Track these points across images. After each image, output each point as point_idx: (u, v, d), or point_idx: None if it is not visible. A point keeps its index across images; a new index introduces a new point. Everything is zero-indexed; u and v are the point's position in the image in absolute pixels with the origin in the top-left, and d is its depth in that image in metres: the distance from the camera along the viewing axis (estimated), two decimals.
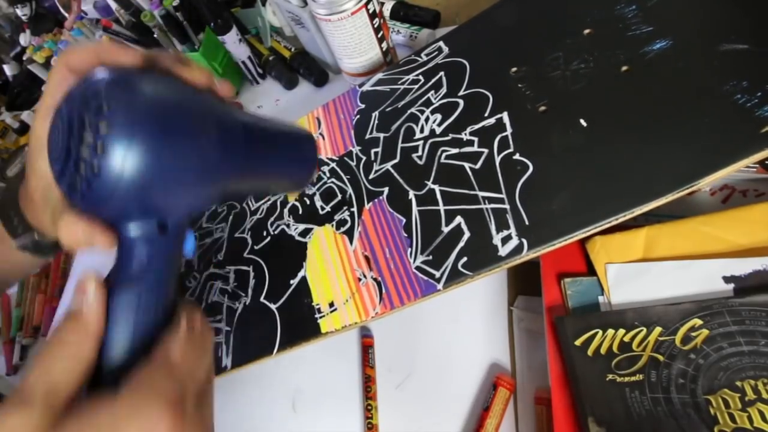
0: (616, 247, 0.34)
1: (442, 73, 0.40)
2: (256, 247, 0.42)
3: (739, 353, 0.27)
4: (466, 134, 0.35)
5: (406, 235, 0.34)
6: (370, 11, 0.45)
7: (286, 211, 0.43)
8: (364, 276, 0.35)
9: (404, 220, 0.35)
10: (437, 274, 0.31)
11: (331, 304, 0.35)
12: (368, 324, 0.34)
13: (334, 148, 0.44)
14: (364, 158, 0.40)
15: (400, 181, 0.37)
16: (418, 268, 0.32)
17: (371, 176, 0.39)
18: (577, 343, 0.30)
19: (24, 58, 0.85)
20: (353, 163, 0.41)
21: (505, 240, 0.29)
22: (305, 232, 0.40)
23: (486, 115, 0.35)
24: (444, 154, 0.35)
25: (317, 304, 0.36)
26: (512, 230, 0.29)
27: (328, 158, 0.43)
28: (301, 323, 0.35)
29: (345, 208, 0.39)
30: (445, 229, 0.32)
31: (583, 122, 0.30)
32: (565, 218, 0.28)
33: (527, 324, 0.37)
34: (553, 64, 0.34)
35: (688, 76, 0.28)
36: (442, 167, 0.35)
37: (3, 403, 0.18)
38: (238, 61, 0.62)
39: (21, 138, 0.87)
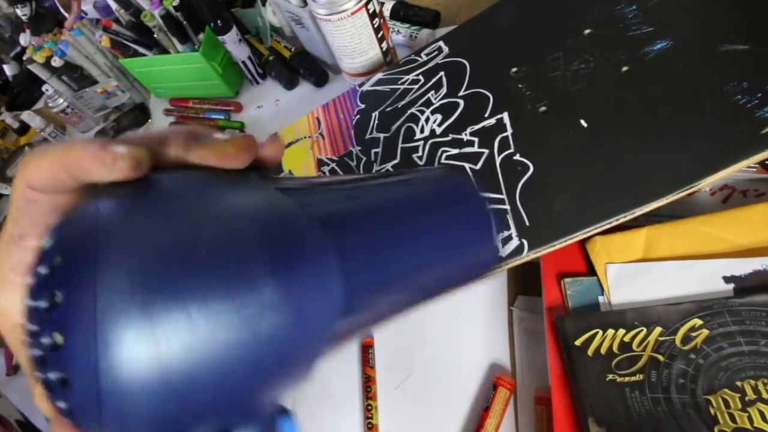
0: (617, 247, 0.34)
1: (442, 73, 0.40)
2: None
3: (739, 353, 0.27)
4: (466, 135, 0.35)
5: None
6: (370, 11, 0.45)
7: None
8: None
9: None
10: None
11: None
12: None
13: (334, 148, 0.44)
14: (364, 158, 0.40)
15: None
16: None
17: None
18: (577, 342, 0.30)
19: (24, 58, 0.85)
20: (353, 164, 0.41)
21: (506, 241, 0.29)
22: None
23: (486, 115, 0.35)
24: (444, 155, 0.35)
25: None
26: (513, 231, 0.29)
27: (328, 158, 0.43)
28: None
29: None
30: None
31: (583, 123, 0.30)
32: (566, 219, 0.28)
33: (527, 324, 0.37)
34: (554, 64, 0.34)
35: (689, 77, 0.28)
36: None
37: None
38: (238, 61, 0.62)
39: (21, 138, 0.87)
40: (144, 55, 0.64)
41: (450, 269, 0.17)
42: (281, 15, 0.62)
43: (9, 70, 0.90)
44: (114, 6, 0.62)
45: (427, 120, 0.38)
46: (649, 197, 0.26)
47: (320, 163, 0.43)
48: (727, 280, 0.30)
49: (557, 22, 0.36)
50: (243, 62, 0.62)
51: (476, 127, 0.35)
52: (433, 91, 0.39)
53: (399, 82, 0.43)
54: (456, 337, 0.39)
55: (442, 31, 0.55)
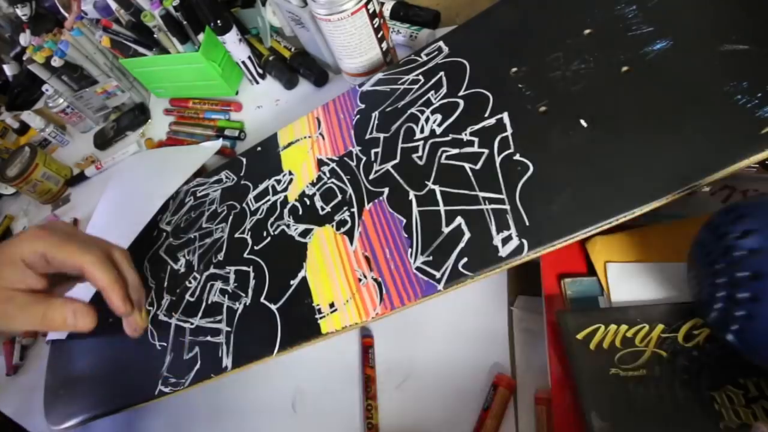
0: (617, 247, 0.34)
1: (442, 73, 0.40)
2: (256, 248, 0.42)
3: None
4: (466, 134, 0.35)
5: (406, 235, 0.34)
6: (370, 11, 0.45)
7: (286, 211, 0.43)
8: (365, 276, 0.35)
9: (404, 221, 0.35)
10: (437, 275, 0.31)
11: (332, 305, 0.35)
12: (368, 324, 0.34)
13: (334, 148, 0.43)
14: (364, 158, 0.40)
15: (401, 181, 0.37)
16: (418, 268, 0.32)
17: (371, 176, 0.39)
18: (579, 337, 0.30)
19: (24, 58, 0.85)
20: (353, 164, 0.41)
21: (506, 240, 0.29)
22: (305, 233, 0.40)
23: (486, 115, 0.35)
24: (444, 155, 0.35)
25: (317, 305, 0.36)
26: (512, 231, 0.29)
27: (328, 158, 0.43)
28: (302, 324, 0.35)
29: (345, 208, 0.39)
30: (446, 230, 0.32)
31: (583, 123, 0.30)
32: (566, 219, 0.28)
33: (527, 324, 0.37)
34: (554, 64, 0.34)
35: (689, 77, 0.28)
36: (442, 168, 0.35)
37: None
38: (238, 61, 0.62)
39: (21, 138, 0.87)
40: (144, 55, 0.64)
41: None
42: (281, 15, 0.62)
43: (9, 70, 0.91)
44: (114, 6, 0.62)
45: (427, 120, 0.38)
46: (649, 197, 0.26)
47: (320, 163, 0.43)
48: None
49: (557, 22, 0.36)
50: (243, 62, 0.62)
51: (476, 127, 0.35)
52: (433, 91, 0.39)
53: (399, 82, 0.43)
54: (456, 337, 0.39)
55: (442, 31, 0.55)
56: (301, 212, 0.42)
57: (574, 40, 0.34)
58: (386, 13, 0.57)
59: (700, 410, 0.26)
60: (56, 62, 0.69)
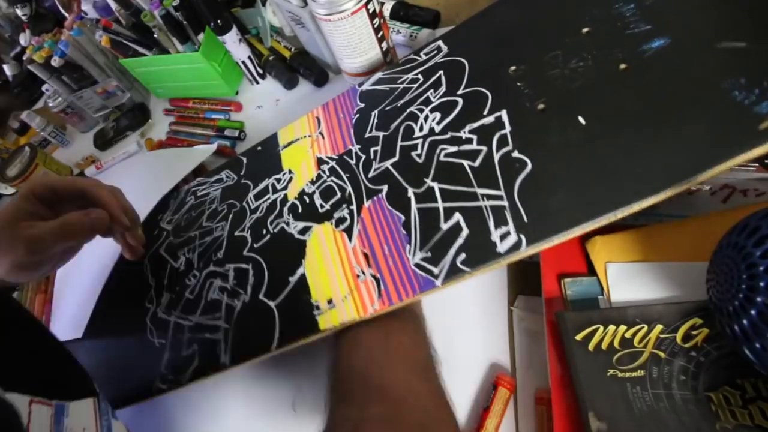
0: (617, 247, 0.34)
1: (441, 72, 0.40)
2: (255, 245, 0.42)
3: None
4: (465, 132, 0.35)
5: (405, 232, 0.34)
6: (370, 11, 0.45)
7: (285, 209, 0.43)
8: (363, 273, 0.34)
9: (403, 218, 0.35)
10: (436, 271, 0.31)
11: (330, 301, 0.35)
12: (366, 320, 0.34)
13: (334, 146, 0.44)
14: (363, 157, 0.40)
15: (400, 179, 0.37)
16: (416, 264, 0.32)
17: (370, 174, 0.39)
18: (578, 337, 0.30)
19: (24, 58, 0.85)
20: (353, 162, 0.41)
21: (504, 236, 0.29)
22: (304, 230, 0.40)
23: (485, 113, 0.35)
24: (443, 152, 0.35)
25: (316, 302, 0.36)
26: (511, 227, 0.29)
27: (327, 157, 0.43)
28: (300, 320, 0.35)
29: (344, 206, 0.39)
30: (444, 226, 0.32)
31: (581, 120, 0.30)
32: (564, 214, 0.28)
33: (527, 324, 0.37)
34: (552, 62, 0.34)
35: (686, 74, 0.28)
36: (441, 165, 0.35)
37: None
38: (238, 61, 0.62)
39: (21, 138, 0.87)
40: (144, 55, 0.64)
41: None
42: (281, 15, 0.62)
43: (9, 70, 0.91)
44: (114, 6, 0.62)
45: (426, 118, 0.38)
46: (648, 193, 0.26)
47: (320, 162, 0.43)
48: None
49: (555, 21, 0.36)
50: (243, 62, 0.62)
51: (475, 124, 0.35)
52: (432, 90, 0.40)
53: (398, 82, 0.43)
54: (456, 337, 0.39)
55: (442, 30, 0.55)
56: (300, 210, 0.42)
57: (572, 38, 0.34)
58: (386, 13, 0.57)
59: (697, 411, 0.26)
60: (56, 62, 0.69)
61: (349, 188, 0.39)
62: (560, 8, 0.36)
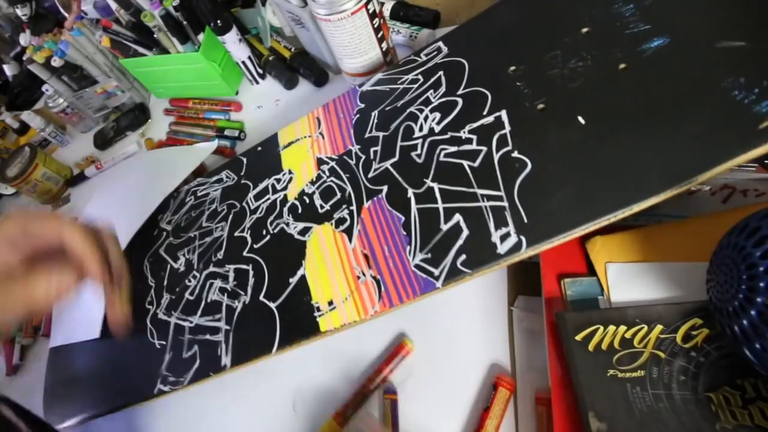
0: (617, 247, 0.34)
1: (441, 73, 0.40)
2: (255, 246, 0.42)
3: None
4: (464, 132, 0.35)
5: (405, 233, 0.34)
6: (370, 11, 0.45)
7: (285, 209, 0.43)
8: (363, 274, 0.34)
9: (403, 218, 0.35)
10: (436, 272, 0.31)
11: (330, 303, 0.35)
12: (368, 323, 0.34)
13: (334, 147, 0.44)
14: (363, 157, 0.40)
15: (399, 179, 0.37)
16: (417, 266, 0.32)
17: (370, 175, 0.39)
18: (578, 338, 0.30)
19: (24, 58, 0.85)
20: (353, 162, 0.41)
21: (504, 237, 0.29)
22: (304, 231, 0.40)
23: (485, 113, 0.35)
24: (443, 153, 0.35)
25: (316, 303, 0.36)
26: (511, 228, 0.29)
27: (327, 157, 0.43)
28: (301, 322, 0.35)
29: (344, 206, 0.39)
30: (444, 227, 0.32)
31: (581, 120, 0.30)
32: (564, 215, 0.28)
33: (527, 324, 0.37)
34: (552, 62, 0.34)
35: (686, 74, 0.28)
36: (440, 165, 0.35)
37: None
38: (238, 61, 0.62)
39: (21, 138, 0.87)
40: (144, 55, 0.64)
41: None
42: (281, 15, 0.62)
43: (9, 70, 0.91)
44: (114, 6, 0.62)
45: (426, 118, 0.38)
46: (648, 193, 0.26)
47: (320, 162, 0.43)
48: None
49: (555, 21, 0.36)
50: (243, 62, 0.62)
51: (474, 125, 0.35)
52: (432, 90, 0.40)
53: (398, 82, 0.43)
54: (456, 337, 0.39)
55: (442, 31, 0.55)
56: (300, 211, 0.42)
57: (571, 38, 0.34)
58: (386, 13, 0.57)
59: (697, 411, 0.26)
60: (56, 62, 0.69)
61: (349, 189, 0.39)
62: (559, 8, 0.36)
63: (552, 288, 0.35)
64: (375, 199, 0.37)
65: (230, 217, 0.46)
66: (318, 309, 0.35)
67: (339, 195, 0.40)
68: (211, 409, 0.44)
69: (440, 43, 0.43)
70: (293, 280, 0.38)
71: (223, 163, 0.55)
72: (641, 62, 0.30)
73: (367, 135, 0.42)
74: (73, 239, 0.31)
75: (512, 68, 0.36)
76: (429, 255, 0.32)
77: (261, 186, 0.47)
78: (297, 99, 0.62)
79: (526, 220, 0.29)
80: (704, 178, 0.24)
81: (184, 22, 0.59)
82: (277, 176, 0.46)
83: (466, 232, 0.31)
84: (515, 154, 0.32)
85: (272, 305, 0.38)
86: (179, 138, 0.68)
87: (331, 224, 0.39)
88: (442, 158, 0.35)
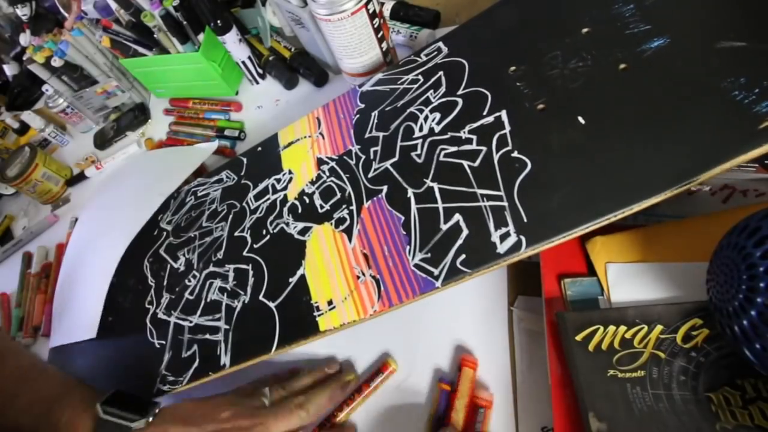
0: (617, 247, 0.34)
1: (441, 73, 0.40)
2: (255, 246, 0.42)
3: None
4: (464, 132, 0.35)
5: (404, 232, 0.34)
6: (370, 11, 0.45)
7: (285, 209, 0.43)
8: (363, 274, 0.34)
9: (403, 218, 0.35)
10: (436, 272, 0.31)
11: (330, 302, 0.35)
12: (368, 322, 0.34)
13: (334, 147, 0.44)
14: (363, 157, 0.40)
15: (399, 179, 0.37)
16: (416, 265, 0.32)
17: (370, 175, 0.39)
18: (578, 338, 0.30)
19: (24, 58, 0.85)
20: (352, 162, 0.41)
21: (504, 237, 0.29)
22: (304, 231, 0.40)
23: (485, 113, 0.35)
24: (443, 153, 0.35)
25: (316, 302, 0.36)
26: (510, 227, 0.29)
27: (327, 157, 0.43)
28: (300, 321, 0.35)
29: (344, 206, 0.39)
30: (444, 227, 0.32)
31: (581, 120, 0.30)
32: (564, 215, 0.28)
33: (527, 324, 0.37)
34: (552, 62, 0.34)
35: (686, 74, 0.28)
36: (440, 165, 0.35)
37: None
38: (238, 61, 0.62)
39: (21, 138, 0.87)
40: (144, 55, 0.64)
41: None
42: (281, 15, 0.62)
43: (9, 70, 0.91)
44: (114, 6, 0.62)
45: (426, 118, 0.38)
46: (648, 193, 0.26)
47: (320, 162, 0.43)
48: None
49: (555, 22, 0.36)
50: (243, 62, 0.62)
51: (474, 125, 0.35)
52: (432, 90, 0.40)
53: (398, 82, 0.43)
54: (456, 337, 0.39)
55: (442, 31, 0.55)
56: (300, 210, 0.42)
57: (572, 38, 0.34)
58: (386, 13, 0.57)
59: (697, 411, 0.26)
60: (56, 62, 0.69)
61: (349, 188, 0.39)
62: (560, 9, 0.36)
63: (552, 288, 0.35)
64: (375, 199, 0.37)
65: (230, 217, 0.46)
66: (317, 308, 0.35)
67: (339, 195, 0.40)
68: None
69: (440, 44, 0.43)
70: (293, 280, 0.38)
71: (224, 163, 0.55)
72: (641, 62, 0.30)
73: (367, 135, 0.42)
74: None
75: (512, 68, 0.36)
76: (429, 255, 0.32)
77: (261, 186, 0.47)
78: (297, 99, 0.62)
79: (525, 220, 0.29)
80: (704, 178, 0.24)
81: (184, 22, 0.59)
82: (277, 176, 0.46)
83: (465, 232, 0.31)
84: (515, 154, 0.32)
85: (272, 305, 0.38)
86: (179, 138, 0.68)
87: (331, 224, 0.39)
88: (442, 158, 0.35)
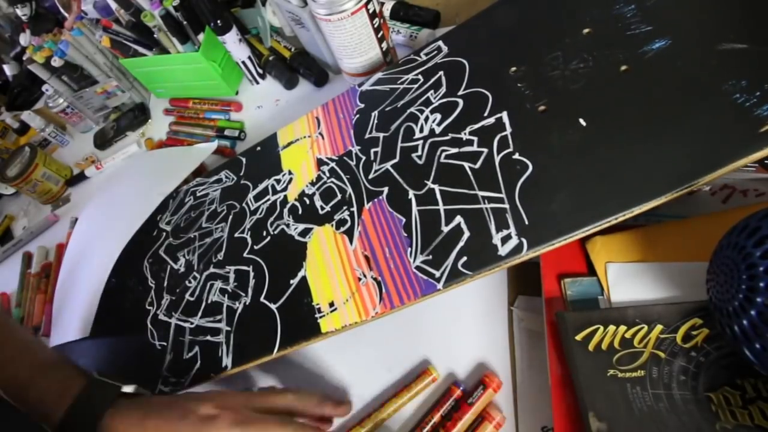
0: (617, 247, 0.34)
1: (441, 73, 0.40)
2: (256, 247, 0.42)
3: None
4: (465, 134, 0.35)
5: (405, 234, 0.34)
6: (370, 11, 0.45)
7: (285, 210, 0.43)
8: (364, 276, 0.35)
9: (404, 220, 0.35)
10: (437, 274, 0.31)
11: (331, 304, 0.35)
12: (368, 323, 0.34)
13: (334, 147, 0.44)
14: (363, 158, 0.40)
15: (400, 180, 0.37)
16: (417, 267, 0.32)
17: (371, 176, 0.39)
18: (578, 338, 0.30)
19: (24, 58, 0.85)
20: (353, 163, 0.41)
21: (505, 239, 0.29)
22: (305, 232, 0.40)
23: (485, 114, 0.35)
24: (443, 154, 0.35)
25: (317, 304, 0.36)
26: (512, 230, 0.29)
27: (327, 158, 0.43)
28: (301, 323, 0.35)
29: (345, 207, 0.39)
30: (445, 229, 0.32)
31: (582, 121, 0.30)
32: (565, 217, 0.28)
33: (527, 324, 0.37)
34: (553, 63, 0.34)
35: (687, 76, 0.28)
36: (441, 167, 0.35)
37: None
38: (238, 61, 0.62)
39: (21, 138, 0.87)
40: (144, 55, 0.64)
41: None
42: (281, 15, 0.62)
43: (9, 70, 0.91)
44: (114, 6, 0.62)
45: (426, 119, 0.38)
46: (648, 196, 0.26)
47: (320, 163, 0.44)
48: None
49: (556, 22, 0.36)
50: (243, 62, 0.62)
51: (475, 126, 0.35)
52: (432, 91, 0.40)
53: (398, 82, 0.43)
54: (456, 337, 0.39)
55: (442, 31, 0.55)
56: (300, 212, 0.42)
57: (573, 39, 0.34)
58: (386, 13, 0.57)
59: (697, 411, 0.26)
60: (56, 62, 0.69)
61: (350, 190, 0.39)
62: (561, 9, 0.36)
63: (552, 288, 0.35)
64: (376, 200, 0.37)
65: (230, 217, 0.47)
66: (319, 310, 0.35)
67: (339, 196, 0.40)
68: None
69: (440, 42, 0.43)
70: (294, 282, 0.38)
71: (223, 163, 0.55)
72: (642, 64, 0.30)
73: (367, 136, 0.42)
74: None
75: (513, 69, 0.36)
76: (430, 257, 0.32)
77: (261, 187, 0.47)
78: (297, 99, 0.62)
79: (527, 222, 0.29)
80: (705, 181, 0.24)
81: (184, 22, 0.59)
82: (277, 177, 0.46)
83: (467, 234, 0.31)
84: (516, 156, 0.32)
85: (273, 306, 0.38)
86: (179, 138, 0.68)
87: (332, 225, 0.39)
88: (442, 160, 0.35)
